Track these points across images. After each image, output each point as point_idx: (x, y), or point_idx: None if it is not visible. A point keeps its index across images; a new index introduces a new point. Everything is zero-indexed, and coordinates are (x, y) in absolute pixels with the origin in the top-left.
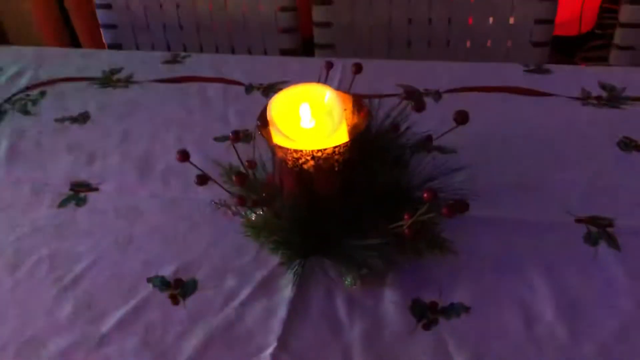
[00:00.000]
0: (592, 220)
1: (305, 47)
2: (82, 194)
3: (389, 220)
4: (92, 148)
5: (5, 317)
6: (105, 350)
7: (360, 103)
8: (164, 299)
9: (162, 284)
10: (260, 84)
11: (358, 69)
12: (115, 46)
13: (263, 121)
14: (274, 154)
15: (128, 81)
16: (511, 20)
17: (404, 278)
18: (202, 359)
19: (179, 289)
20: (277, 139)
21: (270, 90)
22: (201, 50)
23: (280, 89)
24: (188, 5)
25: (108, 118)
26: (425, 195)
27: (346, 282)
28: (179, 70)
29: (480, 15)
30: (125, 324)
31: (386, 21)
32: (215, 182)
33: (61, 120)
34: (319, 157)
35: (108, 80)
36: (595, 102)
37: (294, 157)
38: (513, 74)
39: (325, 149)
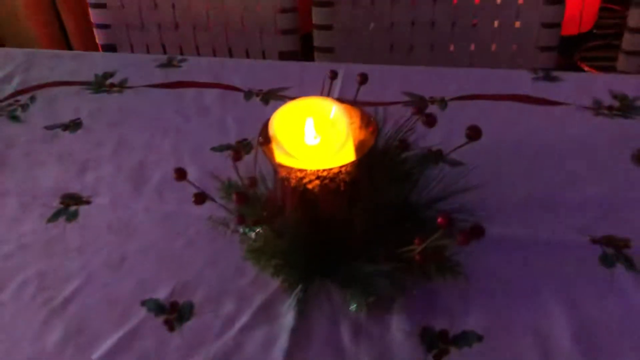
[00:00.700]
0: (608, 241)
1: (304, 43)
2: (72, 208)
3: (397, 243)
4: (83, 158)
5: None
6: None
7: (368, 117)
8: (159, 324)
9: (157, 307)
10: (260, 90)
11: (363, 79)
12: (109, 47)
13: (265, 137)
14: (276, 171)
15: (122, 86)
16: (517, 24)
17: (413, 304)
18: None
19: (174, 313)
20: (280, 157)
21: (270, 96)
22: (197, 51)
23: (281, 96)
24: (184, 4)
25: (101, 125)
26: (439, 220)
27: (352, 307)
28: (174, 75)
29: (484, 18)
30: (118, 352)
31: (388, 24)
32: (214, 200)
33: (51, 127)
34: (325, 177)
35: (101, 84)
36: (607, 112)
37: (297, 177)
38: (521, 81)
39: (331, 169)
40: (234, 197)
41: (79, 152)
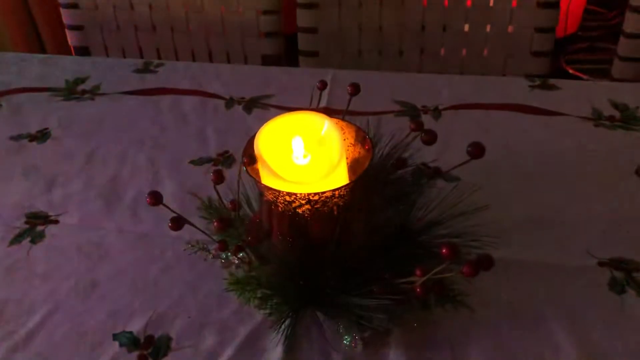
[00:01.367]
0: (616, 264)
1: (287, 44)
2: (38, 228)
3: (394, 271)
4: (52, 172)
5: None
6: None
7: (363, 135)
8: None
9: (131, 341)
10: (242, 98)
11: (355, 90)
12: (82, 49)
13: (249, 156)
14: (261, 193)
15: (94, 93)
16: (510, 29)
17: (410, 336)
18: None
19: (150, 348)
20: (266, 179)
21: (253, 104)
22: (176, 54)
23: (264, 104)
24: (161, 5)
25: (71, 136)
26: (444, 251)
27: (345, 341)
28: (151, 81)
29: (477, 22)
30: None
31: (376, 27)
32: (193, 225)
33: (17, 138)
34: (316, 201)
35: (72, 91)
36: (607, 123)
37: (286, 201)
38: (517, 89)
39: (323, 192)
40: (214, 224)
41: (47, 166)
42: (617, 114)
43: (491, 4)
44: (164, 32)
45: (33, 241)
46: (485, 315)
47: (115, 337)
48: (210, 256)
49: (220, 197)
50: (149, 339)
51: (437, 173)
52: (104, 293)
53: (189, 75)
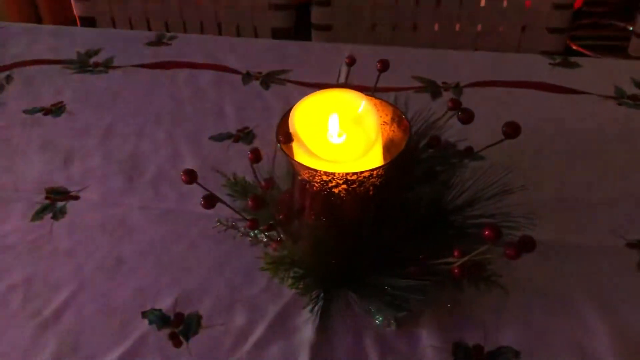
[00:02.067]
0: None
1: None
2: (59, 204)
3: (429, 251)
4: (69, 146)
5: None
6: None
7: (399, 114)
8: (164, 338)
9: (160, 319)
10: (259, 73)
11: (384, 66)
12: (88, 20)
13: (285, 135)
14: (294, 172)
15: (107, 65)
16: (527, 4)
17: (442, 317)
18: None
19: (180, 326)
20: (302, 158)
21: (270, 80)
22: (184, 26)
23: (281, 80)
24: None
25: (86, 110)
26: (486, 233)
27: (376, 321)
28: (165, 54)
29: None
30: None
31: (392, 1)
32: (226, 204)
33: (31, 111)
34: (354, 181)
35: (84, 63)
36: (630, 102)
37: (322, 180)
38: (537, 66)
39: (361, 172)
40: (249, 201)
41: (64, 140)
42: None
43: None
44: (173, 3)
45: (55, 217)
46: (515, 296)
47: (144, 314)
48: (240, 234)
49: (256, 176)
50: (179, 316)
51: (469, 152)
52: (129, 270)
53: (203, 48)
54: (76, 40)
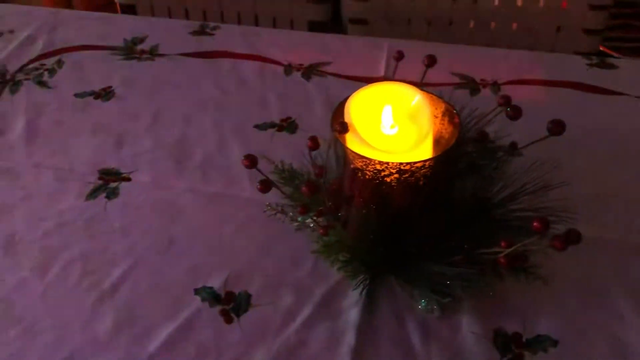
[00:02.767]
0: None
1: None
2: (112, 184)
3: (473, 243)
4: (119, 129)
5: (38, 329)
6: None
7: (450, 109)
8: (215, 315)
9: (212, 297)
10: (300, 65)
11: (431, 61)
12: (128, 7)
13: (341, 125)
14: (346, 160)
15: (153, 53)
16: (564, 5)
17: (482, 304)
18: None
19: (231, 303)
20: (356, 147)
21: (312, 72)
22: (222, 17)
23: (322, 72)
24: None
25: (134, 95)
26: (536, 224)
27: (420, 306)
28: (208, 44)
29: None
30: (175, 344)
31: None
32: (279, 189)
33: (82, 95)
34: (406, 171)
35: (131, 50)
36: None
37: (376, 169)
38: (575, 67)
39: (414, 163)
40: (304, 187)
41: (114, 124)
42: None
43: None
44: None
45: (108, 197)
46: (553, 288)
47: (196, 291)
48: (289, 219)
49: (314, 165)
50: (229, 295)
51: (514, 148)
52: (181, 250)
53: (245, 39)
54: (122, 27)
